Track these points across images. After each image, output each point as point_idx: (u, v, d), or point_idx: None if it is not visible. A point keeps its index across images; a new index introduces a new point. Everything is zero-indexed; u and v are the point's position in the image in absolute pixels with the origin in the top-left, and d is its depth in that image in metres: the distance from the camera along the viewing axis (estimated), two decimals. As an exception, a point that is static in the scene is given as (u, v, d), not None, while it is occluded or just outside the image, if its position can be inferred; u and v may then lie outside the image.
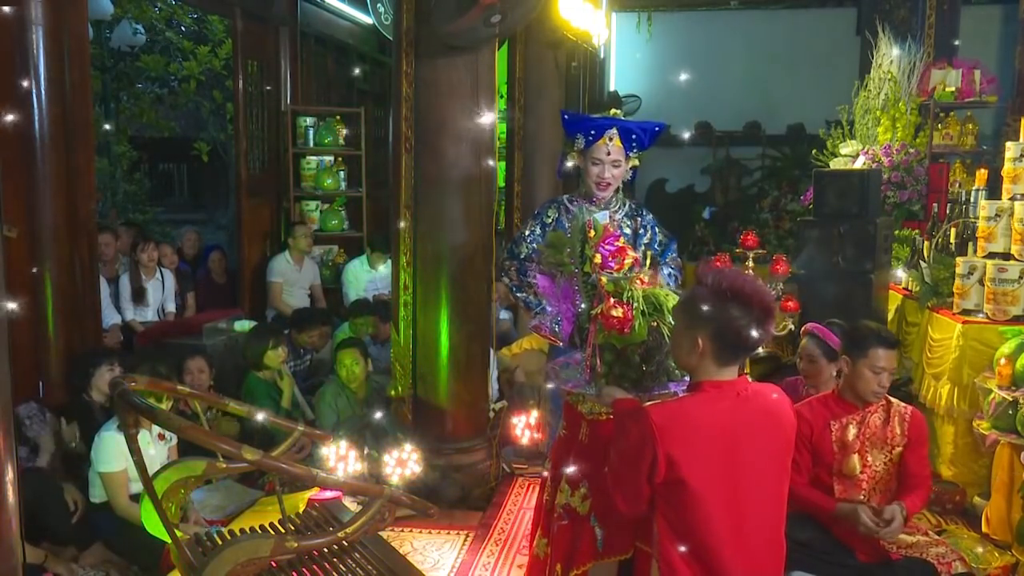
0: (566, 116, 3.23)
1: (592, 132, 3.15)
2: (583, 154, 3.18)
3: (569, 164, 3.26)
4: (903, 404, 3.06)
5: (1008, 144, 4.43)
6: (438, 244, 4.05)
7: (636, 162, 3.24)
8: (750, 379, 2.23)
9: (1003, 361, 3.71)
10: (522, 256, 3.26)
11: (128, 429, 2.50)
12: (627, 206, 3.26)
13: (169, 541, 2.41)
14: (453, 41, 3.89)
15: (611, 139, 3.15)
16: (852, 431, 3.00)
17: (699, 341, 2.02)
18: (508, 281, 3.29)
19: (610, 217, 3.16)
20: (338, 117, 7.28)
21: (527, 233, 3.27)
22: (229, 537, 2.53)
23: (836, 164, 6.39)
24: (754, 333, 2.00)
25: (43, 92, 4.20)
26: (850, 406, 3.03)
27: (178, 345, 4.88)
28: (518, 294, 3.26)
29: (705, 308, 2.01)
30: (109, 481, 3.56)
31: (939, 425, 4.29)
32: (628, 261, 3.09)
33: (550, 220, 3.27)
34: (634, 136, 3.19)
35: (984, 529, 3.73)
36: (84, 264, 4.47)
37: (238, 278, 6.70)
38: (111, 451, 3.53)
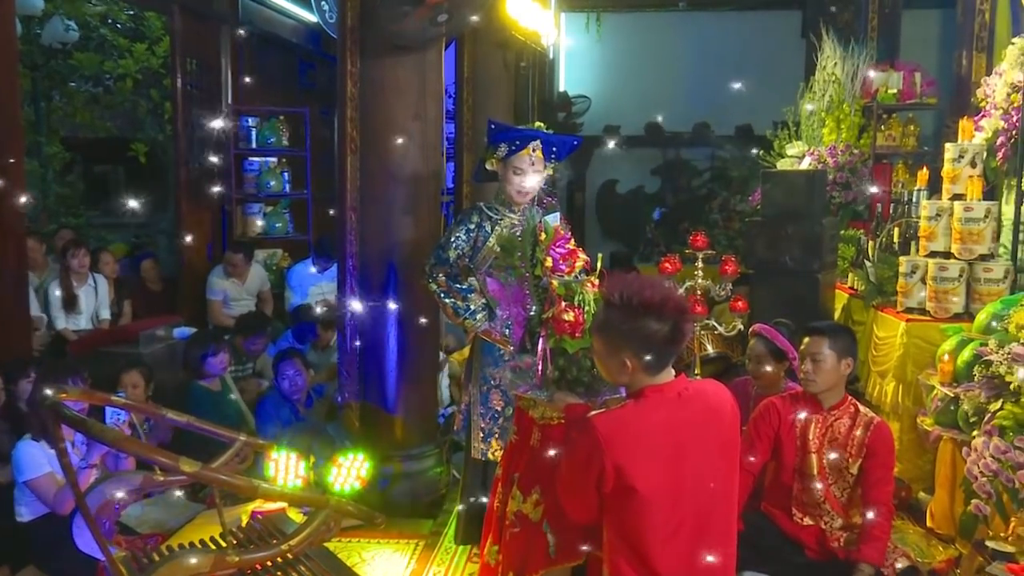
0: (492, 125, 3.36)
1: (516, 142, 3.25)
2: (504, 162, 3.30)
3: (488, 169, 3.35)
4: (871, 414, 3.13)
5: (947, 145, 4.56)
6: (385, 246, 4.01)
7: (551, 171, 3.37)
8: (699, 378, 2.25)
9: (945, 358, 3.81)
10: (451, 260, 3.29)
11: (59, 443, 2.42)
12: (539, 213, 3.34)
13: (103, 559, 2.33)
14: (399, 40, 3.86)
15: (534, 150, 3.27)
16: (813, 430, 3.06)
17: (626, 362, 2.03)
18: (436, 287, 3.31)
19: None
20: (281, 117, 7.18)
21: (452, 239, 3.31)
22: (167, 553, 2.46)
23: (783, 165, 6.52)
24: (676, 335, 2.02)
25: (-33, 91, 4.05)
26: (815, 405, 3.09)
27: (113, 354, 4.75)
28: (445, 299, 3.31)
29: (622, 329, 2.02)
30: (39, 488, 3.45)
31: (885, 422, 4.39)
32: (579, 264, 3.11)
33: (473, 225, 3.34)
34: (554, 148, 3.32)
35: (929, 524, 3.82)
36: (12, 270, 4.33)
37: (177, 285, 6.54)
38: (33, 458, 3.45)
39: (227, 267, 6.21)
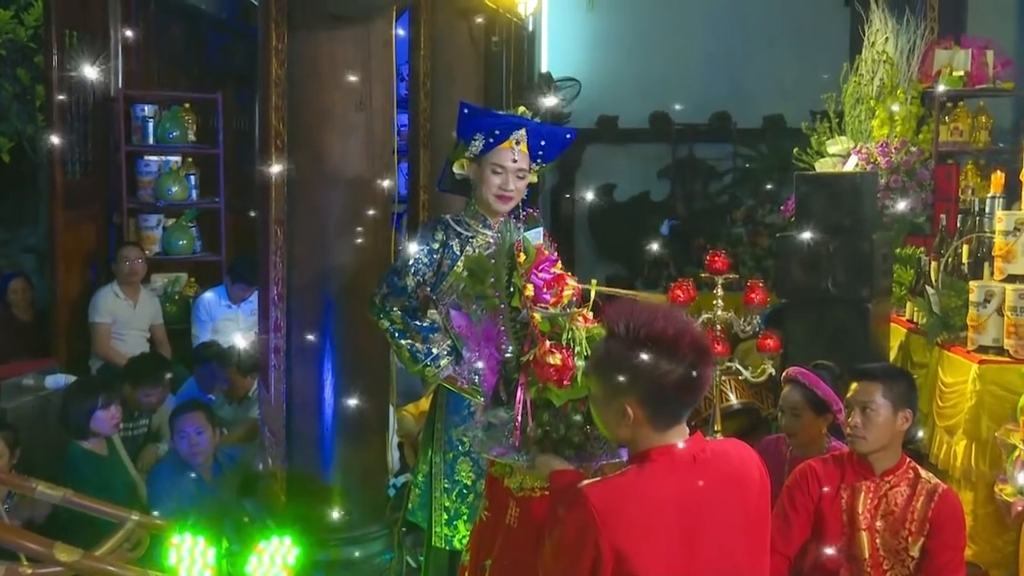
0: (465, 109, 3.34)
1: (496, 132, 3.24)
2: (479, 160, 3.29)
3: (457, 173, 3.33)
4: (935, 480, 3.17)
5: (1027, 142, 4.65)
6: (320, 271, 4.02)
7: (535, 178, 3.38)
8: (720, 436, 2.27)
9: (1029, 410, 3.86)
10: (409, 289, 3.27)
11: None
12: (518, 228, 3.35)
13: None
14: (338, 8, 3.90)
15: (518, 143, 3.26)
16: (863, 501, 3.09)
17: (628, 410, 2.05)
18: (388, 324, 3.29)
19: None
20: (187, 105, 7.20)
21: (411, 262, 3.30)
22: (36, 669, 2.43)
23: (823, 166, 6.61)
24: (692, 381, 2.04)
25: None
26: (865, 469, 3.12)
27: (-34, 410, 4.70)
28: (400, 341, 3.28)
29: (626, 369, 2.04)
30: None
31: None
32: (567, 293, 3.13)
33: (438, 243, 3.32)
34: (542, 143, 3.32)
35: (1012, 621, 3.85)
36: None
37: (50, 317, 6.49)
38: None
39: (120, 267, 6.22)
